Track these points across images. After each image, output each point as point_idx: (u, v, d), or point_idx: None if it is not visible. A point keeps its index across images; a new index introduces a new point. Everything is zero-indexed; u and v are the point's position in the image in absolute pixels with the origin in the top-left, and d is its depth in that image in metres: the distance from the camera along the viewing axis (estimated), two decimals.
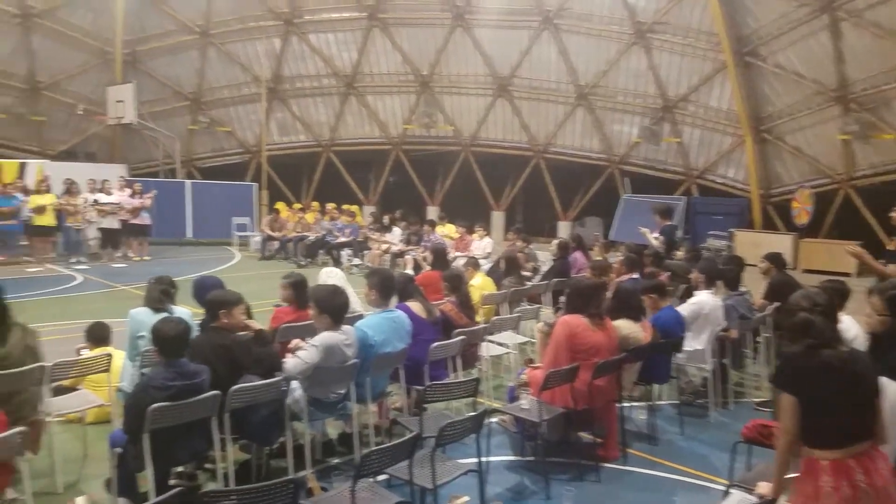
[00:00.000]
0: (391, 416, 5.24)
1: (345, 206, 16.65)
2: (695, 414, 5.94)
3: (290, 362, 4.24)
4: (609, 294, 5.58)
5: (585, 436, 5.05)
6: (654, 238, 9.42)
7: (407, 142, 20.65)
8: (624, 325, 5.12)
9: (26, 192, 13.77)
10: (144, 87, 19.07)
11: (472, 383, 4.47)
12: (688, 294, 6.46)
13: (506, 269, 8.19)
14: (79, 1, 18.09)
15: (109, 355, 4.85)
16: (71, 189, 14.00)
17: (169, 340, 3.68)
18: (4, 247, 13.47)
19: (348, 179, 20.96)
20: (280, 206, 17.20)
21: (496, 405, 5.64)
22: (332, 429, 5.15)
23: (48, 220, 13.59)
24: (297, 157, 21.14)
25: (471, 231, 12.81)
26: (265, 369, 4.18)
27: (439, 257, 7.67)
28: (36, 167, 15.31)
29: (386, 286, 5.03)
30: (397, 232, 14.49)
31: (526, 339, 7.07)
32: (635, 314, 5.28)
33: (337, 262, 14.13)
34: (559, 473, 4.64)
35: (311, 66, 20.10)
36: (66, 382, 4.89)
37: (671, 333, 5.56)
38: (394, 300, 5.25)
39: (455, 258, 10.83)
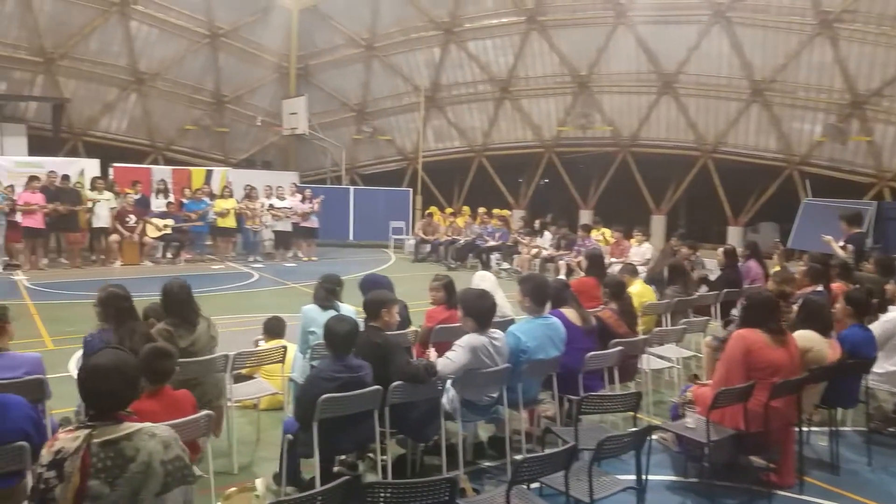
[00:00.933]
0: (543, 424, 5.19)
1: (495, 211, 16.78)
2: (885, 444, 5.37)
3: (440, 362, 4.34)
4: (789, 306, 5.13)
5: (756, 460, 4.69)
6: (839, 247, 8.56)
7: (560, 144, 20.40)
8: (810, 337, 4.68)
9: (212, 196, 15.31)
10: (315, 100, 20.52)
11: (634, 397, 4.31)
12: (880, 310, 5.80)
13: (670, 277, 7.81)
14: (259, 20, 19.88)
15: (284, 347, 5.23)
16: (250, 194, 15.44)
17: (340, 337, 3.92)
18: (193, 246, 15.05)
19: (499, 184, 21.11)
20: (433, 210, 17.73)
21: (656, 421, 5.39)
22: (484, 431, 5.20)
23: (230, 222, 15.05)
24: (451, 163, 21.64)
25: (628, 236, 12.38)
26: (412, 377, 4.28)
27: (595, 263, 7.47)
28: (220, 174, 16.95)
29: (540, 292, 4.96)
30: (548, 236, 14.36)
31: (690, 353, 6.71)
32: (824, 330, 4.82)
33: (486, 266, 14.28)
34: (725, 498, 4.35)
35: (468, 72, 20.50)
36: (243, 371, 5.33)
37: (861, 353, 5.01)
38: (548, 306, 5.18)
39: (610, 264, 10.52)
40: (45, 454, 2.35)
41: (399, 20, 20.12)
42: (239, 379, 5.20)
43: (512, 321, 5.51)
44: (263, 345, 5.96)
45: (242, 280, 12.73)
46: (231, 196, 15.31)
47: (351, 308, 5.13)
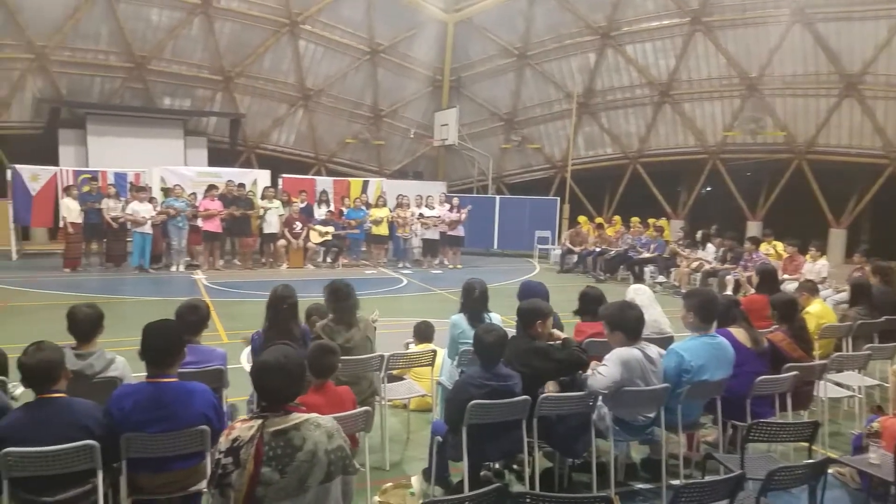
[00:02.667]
0: (703, 449, 4.90)
1: (651, 220, 16.12)
2: None
3: (590, 378, 4.23)
4: None
5: None
6: None
7: (726, 150, 19.25)
8: None
9: (368, 205, 16.16)
10: (465, 111, 21.00)
11: (810, 426, 3.96)
12: None
13: (852, 297, 7.10)
14: (415, 35, 20.70)
15: (434, 351, 5.38)
16: (402, 203, 16.09)
17: (488, 347, 3.97)
18: (350, 251, 15.91)
19: (655, 192, 20.31)
20: (581, 219, 17.40)
21: (832, 454, 4.91)
22: (637, 452, 5.01)
23: (383, 230, 15.80)
24: (601, 171, 21.17)
25: (803, 251, 11.40)
26: (569, 369, 4.22)
27: (767, 279, 6.94)
28: (375, 184, 17.79)
29: (707, 309, 4.65)
30: (710, 249, 13.52)
31: (875, 382, 6.05)
32: None
33: (639, 279, 13.74)
34: None
35: (625, 77, 19.99)
36: (395, 371, 5.54)
37: None
38: (714, 325, 4.89)
39: (783, 281, 9.74)
40: (224, 441, 2.57)
41: (553, 27, 20.07)
42: (390, 379, 5.41)
43: (671, 339, 5.26)
44: (413, 348, 6.16)
45: (393, 285, 13.26)
46: (385, 205, 16.07)
47: (498, 316, 5.16)
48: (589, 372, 4.31)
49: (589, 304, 5.37)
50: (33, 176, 14.69)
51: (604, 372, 4.21)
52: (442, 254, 16.46)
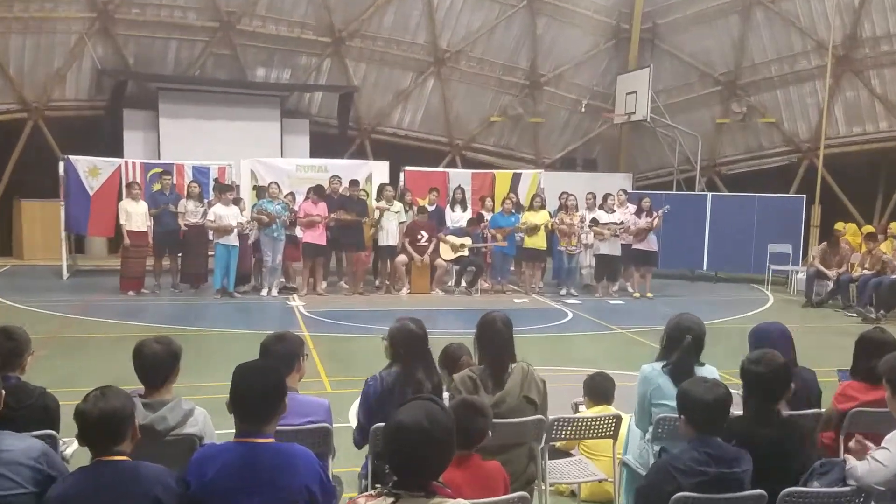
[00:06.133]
0: None
1: None
2: None
3: (861, 467, 4.01)
4: None
5: None
6: None
7: None
8: None
9: (519, 208, 16.13)
10: (662, 72, 20.71)
11: None
12: None
13: None
14: None
15: (616, 417, 5.27)
16: (567, 205, 15.92)
17: (706, 411, 3.80)
18: (493, 272, 15.99)
19: None
20: (841, 227, 16.44)
21: None
22: None
23: (539, 241, 15.65)
24: (870, 156, 19.96)
25: None
26: None
27: None
28: (530, 178, 17.84)
29: None
30: None
31: None
32: None
33: None
34: None
35: None
36: (559, 444, 5.47)
37: None
38: None
39: None
40: None
41: None
42: (552, 454, 5.33)
43: None
44: (585, 411, 6.06)
45: (552, 320, 13.22)
46: (543, 207, 16.01)
47: (714, 371, 4.96)
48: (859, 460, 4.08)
49: (869, 356, 5.04)
50: (92, 170, 15.81)
51: (884, 459, 3.97)
52: (625, 277, 16.21)
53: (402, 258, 15.22)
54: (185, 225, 14.38)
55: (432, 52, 20.97)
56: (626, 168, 21.69)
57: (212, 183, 15.71)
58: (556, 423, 4.97)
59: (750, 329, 5.26)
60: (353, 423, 6.77)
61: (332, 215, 14.56)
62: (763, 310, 14.75)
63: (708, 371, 4.94)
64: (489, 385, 4.77)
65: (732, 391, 3.94)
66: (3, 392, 3.61)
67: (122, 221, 14.33)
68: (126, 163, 16.15)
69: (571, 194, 16.20)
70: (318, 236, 14.58)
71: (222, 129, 18.89)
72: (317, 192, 14.68)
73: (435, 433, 2.68)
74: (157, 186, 15.17)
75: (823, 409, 5.12)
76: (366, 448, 4.66)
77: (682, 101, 21.48)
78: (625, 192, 16.94)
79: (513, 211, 15.87)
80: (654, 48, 21.50)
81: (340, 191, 15.18)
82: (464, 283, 15.74)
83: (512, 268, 16.50)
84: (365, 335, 11.22)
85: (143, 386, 4.12)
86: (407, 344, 4.80)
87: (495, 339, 4.84)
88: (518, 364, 4.87)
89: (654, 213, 15.65)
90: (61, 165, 15.65)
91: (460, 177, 17.63)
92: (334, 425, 4.57)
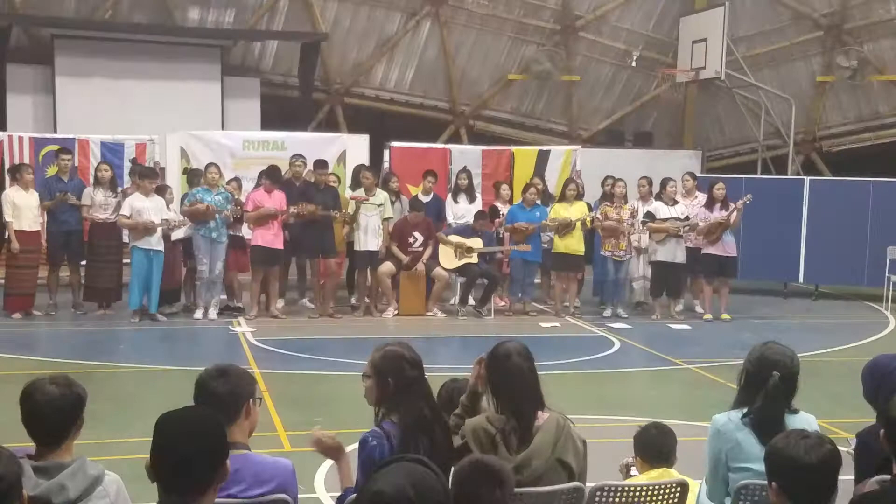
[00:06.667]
0: None
1: None
2: None
3: None
4: None
5: None
6: None
7: None
8: None
9: (547, 198, 16.10)
10: (742, 13, 20.71)
11: None
12: None
13: None
14: None
15: (682, 485, 5.25)
16: (613, 193, 15.87)
17: (804, 474, 3.76)
18: (512, 287, 15.95)
19: None
20: None
21: None
22: None
23: (576, 244, 15.52)
24: None
25: None
26: None
27: None
28: (562, 156, 17.80)
29: None
30: None
31: None
32: None
33: None
34: None
35: None
36: None
37: None
38: None
39: None
40: None
41: None
42: None
43: None
44: (637, 475, 6.04)
45: (592, 350, 13.21)
46: (580, 197, 15.96)
47: (811, 417, 4.96)
48: None
49: None
50: None
51: None
52: (691, 292, 16.23)
53: (387, 267, 15.19)
54: (92, 222, 14.27)
55: None
56: (694, 144, 21.67)
57: (127, 165, 15.70)
58: (598, 494, 4.94)
59: (865, 364, 5.23)
60: (324, 495, 6.79)
61: (292, 209, 14.44)
62: (881, 336, 14.73)
63: (804, 420, 4.92)
64: (512, 441, 4.76)
65: (841, 449, 3.89)
66: None
67: (7, 218, 14.06)
68: (10, 137, 16.08)
69: (619, 179, 16.17)
70: (272, 238, 14.55)
71: (142, 91, 18.89)
72: (271, 178, 14.61)
73: None
74: (52, 170, 15.07)
75: None
76: None
77: (770, 52, 21.55)
78: (692, 176, 16.91)
79: (538, 202, 15.80)
80: None
81: (304, 175, 15.20)
82: (472, 301, 15.70)
83: (538, 280, 16.54)
84: (337, 372, 11.20)
85: (33, 443, 4.07)
86: (398, 375, 4.74)
87: (512, 380, 4.83)
88: (552, 415, 4.86)
89: (732, 206, 15.60)
90: None
91: (466, 156, 17.55)
92: (302, 496, 4.57)
